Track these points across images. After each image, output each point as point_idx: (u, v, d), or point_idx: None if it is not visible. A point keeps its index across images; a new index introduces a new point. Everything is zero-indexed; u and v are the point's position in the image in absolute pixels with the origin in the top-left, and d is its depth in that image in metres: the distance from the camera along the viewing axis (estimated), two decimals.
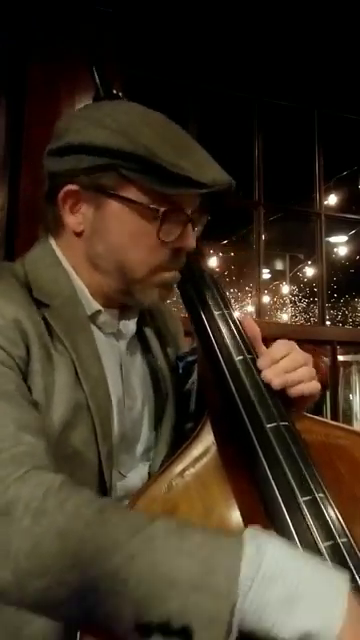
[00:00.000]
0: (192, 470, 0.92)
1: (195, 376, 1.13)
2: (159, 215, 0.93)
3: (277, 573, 0.63)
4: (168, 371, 1.13)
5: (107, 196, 0.94)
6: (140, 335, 1.13)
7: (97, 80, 1.17)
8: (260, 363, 0.97)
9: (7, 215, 2.27)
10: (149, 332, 1.14)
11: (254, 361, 0.99)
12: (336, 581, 0.66)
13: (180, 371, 1.15)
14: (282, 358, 0.98)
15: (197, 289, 1.08)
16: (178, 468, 0.91)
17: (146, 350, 1.14)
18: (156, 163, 0.89)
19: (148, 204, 0.93)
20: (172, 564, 0.64)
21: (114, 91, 1.17)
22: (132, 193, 0.93)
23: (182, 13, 2.42)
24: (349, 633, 0.62)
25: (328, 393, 3.15)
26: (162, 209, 0.93)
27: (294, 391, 0.97)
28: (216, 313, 1.05)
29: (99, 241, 0.97)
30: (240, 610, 0.62)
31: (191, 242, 0.98)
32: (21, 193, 2.23)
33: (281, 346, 0.99)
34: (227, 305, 1.07)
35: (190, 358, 1.17)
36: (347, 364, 7.63)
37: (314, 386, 0.99)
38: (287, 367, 0.97)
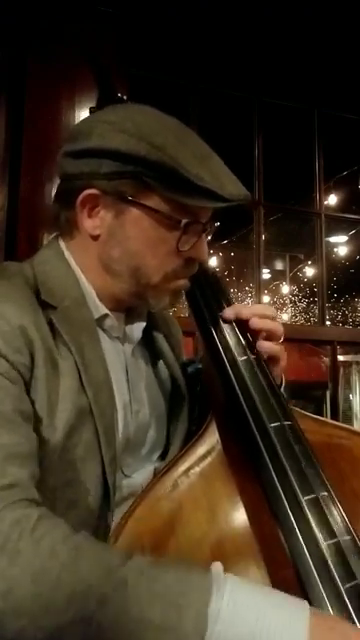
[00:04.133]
0: (197, 469, 0.92)
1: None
2: (180, 226, 0.94)
3: (237, 611, 0.65)
4: (182, 375, 1.13)
5: (128, 202, 0.94)
6: (148, 341, 1.12)
7: (101, 84, 1.17)
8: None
9: (7, 215, 2.27)
10: (160, 338, 1.14)
11: (258, 361, 0.99)
12: (296, 611, 0.67)
13: (189, 376, 1.16)
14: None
15: (201, 290, 1.09)
16: (183, 467, 0.91)
17: (155, 356, 1.14)
18: (180, 173, 0.89)
19: (169, 213, 0.93)
20: (143, 607, 0.65)
21: (119, 95, 1.16)
22: (153, 201, 0.93)
23: (182, 13, 2.42)
24: None
25: (328, 393, 3.15)
26: (184, 220, 0.94)
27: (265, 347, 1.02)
28: (219, 314, 1.05)
29: (116, 246, 0.97)
30: None
31: (205, 253, 1.00)
32: (21, 193, 2.22)
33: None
34: (230, 305, 1.06)
35: (199, 365, 1.18)
36: (347, 364, 7.62)
37: (278, 349, 1.04)
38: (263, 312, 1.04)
